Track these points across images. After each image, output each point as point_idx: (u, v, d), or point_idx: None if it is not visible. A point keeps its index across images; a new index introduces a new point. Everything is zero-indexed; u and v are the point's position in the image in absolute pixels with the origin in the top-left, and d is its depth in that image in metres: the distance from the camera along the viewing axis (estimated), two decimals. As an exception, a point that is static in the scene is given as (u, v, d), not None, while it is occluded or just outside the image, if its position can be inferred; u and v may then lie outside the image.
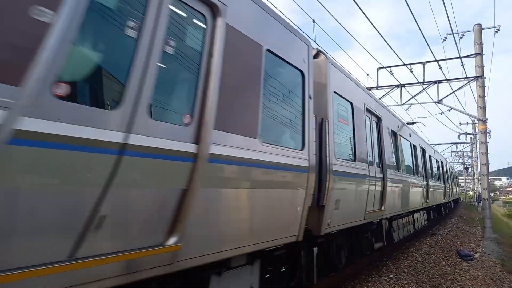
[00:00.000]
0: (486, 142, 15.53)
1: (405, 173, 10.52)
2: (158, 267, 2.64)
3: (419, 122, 16.95)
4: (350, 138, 6.40)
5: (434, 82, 15.89)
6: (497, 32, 16.69)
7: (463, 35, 17.11)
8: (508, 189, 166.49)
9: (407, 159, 11.28)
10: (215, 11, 3.22)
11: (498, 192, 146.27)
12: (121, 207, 2.41)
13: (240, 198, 3.59)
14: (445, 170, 20.82)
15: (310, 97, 4.80)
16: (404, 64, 15.55)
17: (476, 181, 42.28)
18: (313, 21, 12.90)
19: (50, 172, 2.06)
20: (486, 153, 15.48)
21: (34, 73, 1.95)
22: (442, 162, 19.59)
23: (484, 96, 15.29)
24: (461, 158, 48.84)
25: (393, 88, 16.76)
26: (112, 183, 2.31)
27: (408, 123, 12.97)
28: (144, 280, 2.57)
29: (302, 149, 4.53)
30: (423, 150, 14.24)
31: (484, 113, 15.31)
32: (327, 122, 5.35)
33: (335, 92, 5.80)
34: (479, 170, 18.55)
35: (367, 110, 7.50)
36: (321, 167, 5.15)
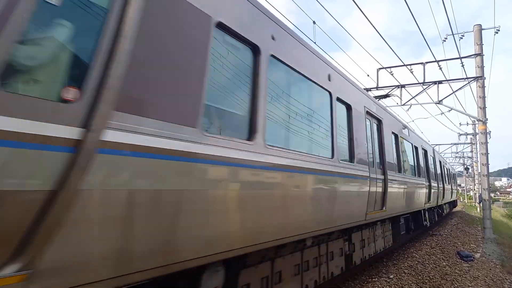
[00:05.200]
0: (486, 143, 15.54)
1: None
2: None
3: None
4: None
5: (434, 82, 15.91)
6: (497, 33, 16.72)
7: (463, 36, 17.14)
8: (508, 189, 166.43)
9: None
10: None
11: (498, 193, 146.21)
12: None
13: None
14: (420, 157, 13.40)
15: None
16: (404, 65, 15.56)
17: (476, 181, 42.28)
18: (314, 22, 12.91)
19: None
20: (486, 154, 15.49)
21: None
22: (416, 147, 12.80)
23: (484, 97, 15.29)
24: (461, 159, 48.85)
25: (393, 88, 16.78)
26: None
27: None
28: None
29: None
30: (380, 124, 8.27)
31: (484, 114, 15.32)
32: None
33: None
34: (479, 171, 18.54)
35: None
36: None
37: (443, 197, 17.95)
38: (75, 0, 2.30)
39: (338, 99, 5.74)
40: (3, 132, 1.79)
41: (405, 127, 10.78)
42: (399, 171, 9.21)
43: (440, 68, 15.42)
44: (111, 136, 2.25)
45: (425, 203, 13.00)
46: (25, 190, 1.89)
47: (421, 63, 15.72)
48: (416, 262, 9.37)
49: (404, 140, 10.21)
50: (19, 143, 1.85)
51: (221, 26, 3.26)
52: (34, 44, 2.14)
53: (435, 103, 16.00)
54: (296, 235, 4.22)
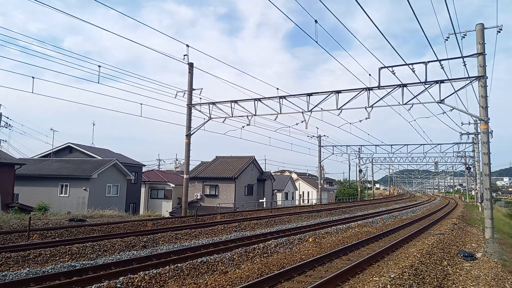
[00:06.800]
0: (488, 142, 15.49)
1: None
2: None
3: None
4: None
5: (436, 82, 15.88)
6: (499, 32, 16.65)
7: (465, 35, 17.08)
8: (510, 189, 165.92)
9: None
10: None
11: (500, 192, 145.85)
12: None
13: None
14: None
15: None
16: (406, 64, 15.53)
17: (478, 181, 42.18)
18: (316, 21, 12.90)
19: None
20: (488, 153, 15.44)
21: None
22: None
23: (486, 96, 15.25)
24: (463, 158, 48.71)
25: (395, 88, 16.74)
26: None
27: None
28: None
29: None
30: None
31: (486, 113, 15.27)
32: None
33: None
34: (481, 170, 18.50)
35: None
36: None
37: None
38: None
39: None
40: None
41: None
42: None
43: (442, 67, 15.38)
44: None
45: None
46: None
47: (423, 62, 15.69)
48: (418, 261, 9.35)
49: None
50: None
51: None
52: None
53: (437, 103, 15.97)
54: None
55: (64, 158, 33.35)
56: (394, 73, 16.20)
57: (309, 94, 18.80)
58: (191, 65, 22.67)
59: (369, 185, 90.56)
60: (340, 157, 79.89)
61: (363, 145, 48.16)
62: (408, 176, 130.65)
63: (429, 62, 15.64)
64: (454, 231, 16.22)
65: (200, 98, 22.99)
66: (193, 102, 22.88)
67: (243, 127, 22.83)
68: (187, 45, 18.96)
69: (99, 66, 16.66)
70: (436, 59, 15.01)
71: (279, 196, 49.31)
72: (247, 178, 40.18)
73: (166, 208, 40.10)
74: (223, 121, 21.67)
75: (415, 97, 16.60)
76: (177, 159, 72.49)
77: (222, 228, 15.38)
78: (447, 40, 16.75)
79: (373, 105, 17.48)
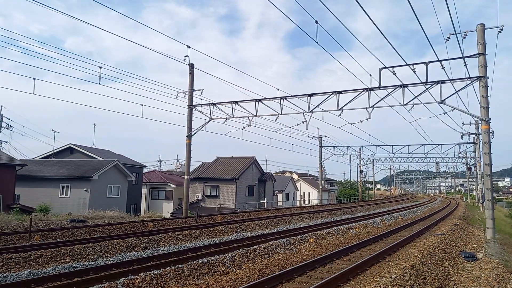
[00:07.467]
0: (489, 142, 15.47)
1: None
2: None
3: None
4: None
5: (437, 82, 15.87)
6: (500, 32, 16.63)
7: (466, 35, 17.06)
8: (511, 189, 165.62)
9: None
10: None
11: (501, 193, 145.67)
12: None
13: None
14: None
15: None
16: (407, 64, 15.52)
17: (479, 181, 42.12)
18: (316, 22, 12.90)
19: None
20: (489, 154, 15.41)
21: None
22: None
23: (487, 96, 15.23)
24: (464, 159, 48.64)
25: (396, 88, 16.73)
26: None
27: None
28: None
29: None
30: None
31: (487, 113, 15.25)
32: None
33: None
34: (482, 171, 18.47)
35: None
36: None
37: None
38: None
39: None
40: None
41: None
42: None
43: (443, 68, 15.37)
44: None
45: None
46: None
47: (424, 63, 15.68)
48: (419, 262, 9.34)
49: None
50: None
51: None
52: None
53: (438, 103, 15.95)
54: None
55: (65, 159, 33.40)
56: (394, 74, 16.20)
57: (310, 95, 18.81)
58: (191, 66, 22.70)
59: (370, 186, 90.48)
60: (341, 158, 79.87)
61: (364, 146, 48.19)
62: (409, 177, 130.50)
63: (429, 62, 15.62)
64: (455, 232, 16.19)
65: (201, 99, 23.03)
66: (194, 103, 22.91)
67: (244, 127, 22.85)
68: (188, 46, 19.00)
69: (100, 67, 16.72)
70: (437, 59, 15.00)
71: (280, 196, 49.29)
72: (248, 179, 40.18)
73: (167, 209, 40.11)
74: (224, 122, 21.70)
75: (416, 97, 16.58)
76: (178, 160, 72.53)
77: (223, 228, 15.38)
78: (447, 40, 16.74)
79: (374, 106, 17.48)
